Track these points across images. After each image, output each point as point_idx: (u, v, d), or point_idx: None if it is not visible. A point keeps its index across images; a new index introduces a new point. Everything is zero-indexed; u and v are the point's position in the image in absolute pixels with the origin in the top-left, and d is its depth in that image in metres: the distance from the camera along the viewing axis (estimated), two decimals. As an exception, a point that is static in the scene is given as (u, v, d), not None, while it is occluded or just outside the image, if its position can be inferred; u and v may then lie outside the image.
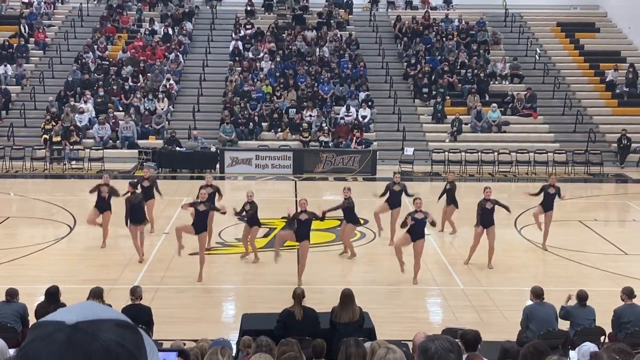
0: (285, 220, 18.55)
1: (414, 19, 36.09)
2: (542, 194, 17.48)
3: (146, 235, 16.95)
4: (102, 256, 16.70)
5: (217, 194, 17.27)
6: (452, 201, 18.45)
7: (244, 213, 16.17)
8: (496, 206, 16.03)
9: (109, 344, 1.41)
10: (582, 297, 11.20)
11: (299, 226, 14.90)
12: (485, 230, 15.94)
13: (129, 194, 16.24)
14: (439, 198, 18.61)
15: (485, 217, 15.94)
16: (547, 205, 17.40)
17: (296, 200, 22.50)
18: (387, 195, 17.79)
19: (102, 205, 17.09)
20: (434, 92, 31.41)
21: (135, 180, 18.41)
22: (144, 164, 26.41)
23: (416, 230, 14.87)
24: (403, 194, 17.80)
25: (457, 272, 16.00)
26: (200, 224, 15.02)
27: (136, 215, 16.11)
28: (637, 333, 10.42)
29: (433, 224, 15.22)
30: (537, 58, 34.38)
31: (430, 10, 37.50)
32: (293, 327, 10.24)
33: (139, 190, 16.98)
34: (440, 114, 30.42)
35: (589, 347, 6.77)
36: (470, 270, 16.08)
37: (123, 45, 34.02)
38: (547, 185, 17.53)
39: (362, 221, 17.56)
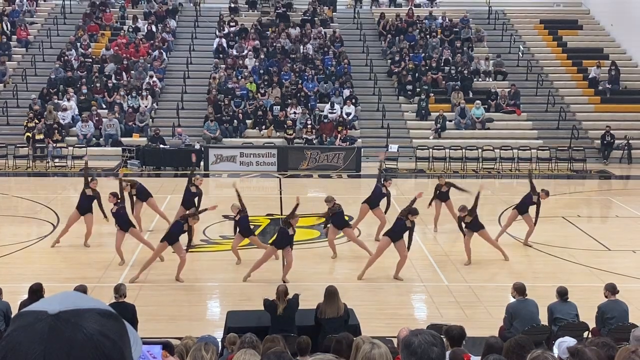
0: (271, 218, 18.59)
1: (397, 16, 36.16)
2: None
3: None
4: (86, 254, 16.61)
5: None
6: (443, 198, 18.55)
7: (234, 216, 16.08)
8: (477, 205, 16.17)
9: (92, 333, 1.40)
10: (562, 292, 11.28)
11: (283, 236, 14.85)
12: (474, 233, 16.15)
13: (113, 206, 15.93)
14: (430, 204, 18.68)
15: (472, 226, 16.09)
16: (522, 208, 17.45)
17: (281, 198, 22.49)
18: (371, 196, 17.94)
19: (84, 207, 16.89)
20: (418, 89, 31.48)
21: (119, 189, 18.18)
22: (128, 161, 26.34)
23: (395, 231, 14.91)
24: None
25: (442, 269, 16.05)
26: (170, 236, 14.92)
27: (122, 223, 15.87)
28: (621, 328, 10.49)
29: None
30: (521, 55, 34.53)
31: (414, 7, 37.57)
32: (274, 317, 10.49)
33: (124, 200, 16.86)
34: (424, 111, 30.49)
35: (568, 342, 6.79)
36: (454, 267, 16.13)
37: (106, 43, 33.86)
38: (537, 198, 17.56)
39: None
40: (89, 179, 17.00)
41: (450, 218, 18.45)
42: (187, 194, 17.62)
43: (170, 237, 14.71)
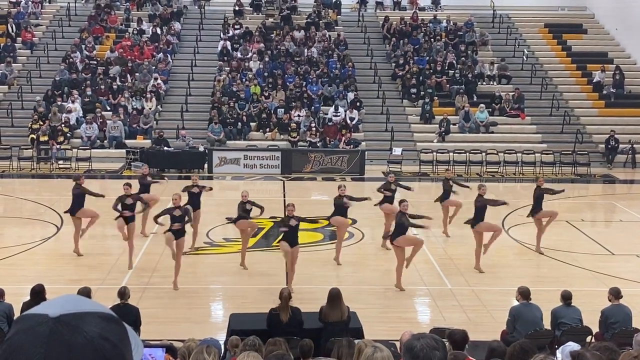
0: (274, 220, 18.60)
1: (402, 19, 36.15)
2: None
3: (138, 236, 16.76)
4: (90, 256, 16.60)
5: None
6: (447, 196, 18.50)
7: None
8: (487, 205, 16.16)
9: (92, 337, 1.41)
10: (566, 296, 11.27)
11: (289, 232, 14.69)
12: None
13: (125, 195, 15.94)
14: (441, 200, 18.64)
15: (478, 216, 16.02)
16: (537, 209, 17.41)
17: (285, 201, 22.49)
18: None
19: (77, 206, 16.84)
20: (422, 93, 31.48)
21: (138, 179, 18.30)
22: (132, 164, 26.36)
23: (398, 233, 14.81)
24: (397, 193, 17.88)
25: (445, 272, 16.03)
26: (178, 230, 14.70)
27: (128, 216, 15.87)
28: (624, 333, 10.47)
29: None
30: (525, 59, 34.49)
31: (419, 11, 37.57)
32: (278, 328, 10.28)
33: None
34: (429, 114, 30.48)
35: (572, 346, 6.79)
36: (458, 270, 16.11)
37: (111, 45, 33.91)
38: (537, 188, 17.55)
39: (349, 221, 17.43)
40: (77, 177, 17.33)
41: (453, 222, 18.45)
42: (191, 197, 17.40)
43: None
